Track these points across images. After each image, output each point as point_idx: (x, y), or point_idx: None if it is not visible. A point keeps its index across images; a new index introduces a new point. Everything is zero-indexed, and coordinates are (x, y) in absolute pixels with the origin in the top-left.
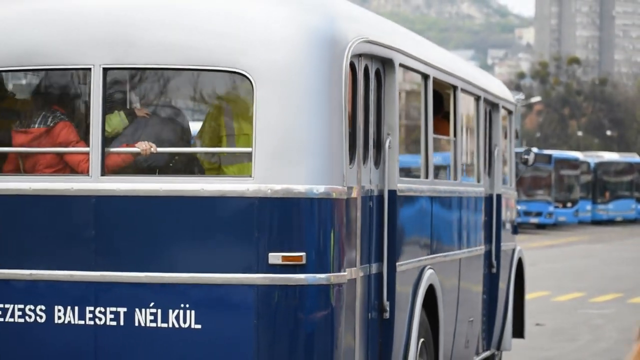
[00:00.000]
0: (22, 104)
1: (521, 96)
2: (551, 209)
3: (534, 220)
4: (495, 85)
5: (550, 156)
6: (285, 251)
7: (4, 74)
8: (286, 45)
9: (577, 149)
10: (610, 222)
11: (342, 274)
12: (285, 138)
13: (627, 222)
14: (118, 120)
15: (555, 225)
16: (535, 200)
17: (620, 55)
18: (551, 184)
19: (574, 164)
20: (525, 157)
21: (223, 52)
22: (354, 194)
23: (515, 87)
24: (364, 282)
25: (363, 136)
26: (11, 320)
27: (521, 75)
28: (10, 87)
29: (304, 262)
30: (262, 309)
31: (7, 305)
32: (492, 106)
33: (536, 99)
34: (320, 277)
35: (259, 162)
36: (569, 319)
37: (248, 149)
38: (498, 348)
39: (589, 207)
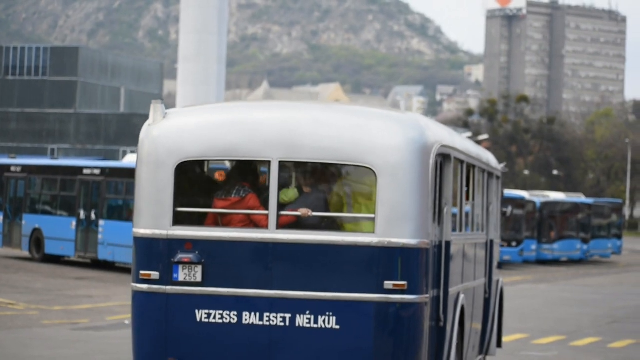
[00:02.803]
0: (222, 181)
1: (504, 165)
2: None
3: None
4: (492, 159)
5: None
6: (395, 280)
7: (211, 162)
8: (397, 150)
9: (524, 187)
10: (555, 262)
11: (425, 295)
12: (395, 209)
13: (572, 262)
14: (294, 193)
15: (500, 264)
16: None
17: (569, 94)
18: None
19: (519, 203)
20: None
21: (356, 153)
22: (432, 245)
23: (463, 124)
24: (431, 302)
25: (434, 206)
26: (213, 321)
27: (469, 112)
28: (213, 170)
29: (405, 287)
30: (379, 316)
31: (211, 311)
32: (489, 175)
33: (484, 136)
34: (414, 297)
35: (379, 224)
36: (512, 358)
37: (372, 215)
38: (486, 354)
39: (534, 246)
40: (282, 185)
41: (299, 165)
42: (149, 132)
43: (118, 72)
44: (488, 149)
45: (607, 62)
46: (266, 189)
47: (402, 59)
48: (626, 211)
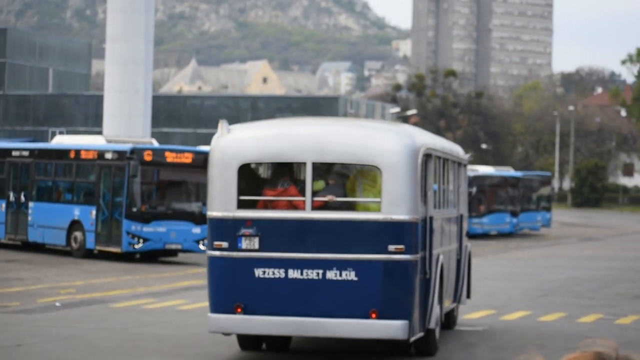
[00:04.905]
0: (271, 177)
1: (470, 155)
2: None
3: None
4: (460, 152)
5: None
6: (396, 245)
7: (264, 163)
8: (395, 153)
9: None
10: (485, 235)
11: (417, 255)
12: (395, 195)
13: (502, 235)
14: (321, 184)
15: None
16: None
17: (497, 68)
18: None
19: None
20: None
21: (366, 156)
22: (420, 220)
23: (391, 99)
24: (420, 260)
25: (421, 191)
26: (267, 276)
27: (397, 88)
28: (264, 168)
29: (403, 250)
30: (385, 270)
31: (265, 269)
32: (458, 164)
33: (412, 111)
34: (410, 257)
35: (383, 205)
36: (442, 336)
37: (378, 199)
38: (459, 302)
39: None
40: (314, 178)
41: (326, 165)
42: (217, 143)
43: (46, 53)
44: (416, 124)
45: (534, 35)
46: (302, 181)
47: (329, 35)
48: (555, 184)
